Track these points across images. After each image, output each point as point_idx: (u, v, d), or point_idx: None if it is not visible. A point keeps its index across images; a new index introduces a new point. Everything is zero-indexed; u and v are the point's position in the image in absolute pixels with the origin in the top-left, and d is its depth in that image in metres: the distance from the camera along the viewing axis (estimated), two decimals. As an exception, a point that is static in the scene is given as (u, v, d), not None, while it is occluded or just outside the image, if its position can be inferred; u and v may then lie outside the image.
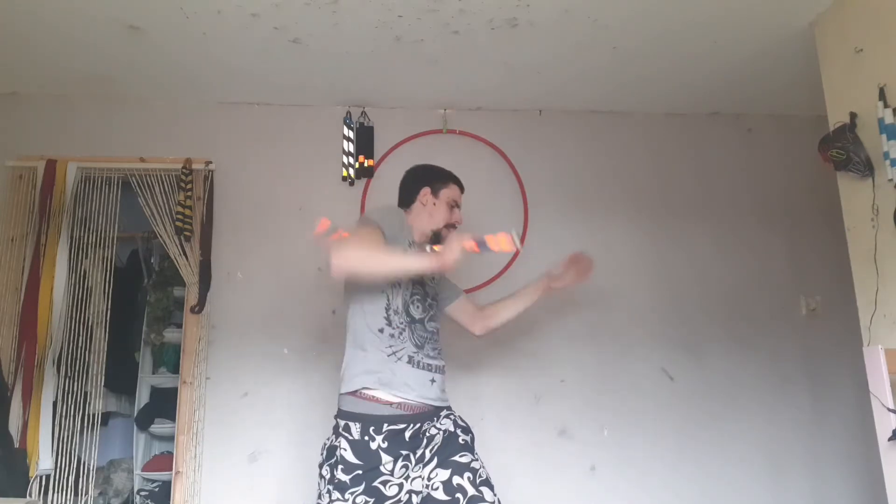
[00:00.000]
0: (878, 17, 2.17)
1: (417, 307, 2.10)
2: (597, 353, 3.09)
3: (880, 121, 2.10)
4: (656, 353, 3.12)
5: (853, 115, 2.22)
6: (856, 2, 2.30)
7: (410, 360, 2.02)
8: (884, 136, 2.08)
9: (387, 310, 2.04)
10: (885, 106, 2.09)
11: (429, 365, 2.06)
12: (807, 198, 3.29)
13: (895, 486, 2.04)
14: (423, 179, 2.28)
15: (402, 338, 2.03)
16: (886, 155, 2.07)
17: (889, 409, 1.99)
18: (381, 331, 2.02)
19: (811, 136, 2.49)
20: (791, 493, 3.03)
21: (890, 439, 1.99)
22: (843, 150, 2.19)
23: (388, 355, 2.00)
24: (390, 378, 1.97)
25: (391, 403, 1.96)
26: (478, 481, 1.96)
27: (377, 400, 1.96)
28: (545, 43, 2.66)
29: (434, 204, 2.23)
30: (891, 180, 2.07)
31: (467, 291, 2.54)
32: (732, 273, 3.23)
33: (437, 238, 2.21)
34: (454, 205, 2.26)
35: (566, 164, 3.27)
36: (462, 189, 2.32)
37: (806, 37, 2.55)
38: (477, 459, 2.02)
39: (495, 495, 1.97)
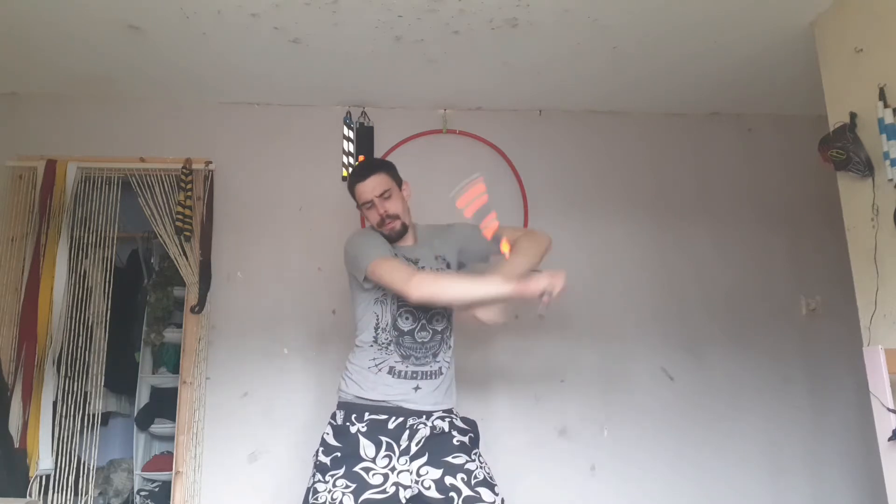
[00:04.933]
0: (878, 17, 2.17)
1: (406, 319, 2.08)
2: (597, 353, 3.09)
3: (880, 121, 2.10)
4: (656, 353, 3.11)
5: (853, 115, 2.22)
6: (856, 2, 2.30)
7: (391, 371, 2.03)
8: (884, 136, 2.08)
9: (376, 329, 2.07)
10: (885, 106, 2.09)
11: (414, 373, 2.04)
12: (807, 198, 3.29)
13: (895, 486, 2.03)
14: None
15: (388, 350, 2.05)
16: (886, 155, 2.07)
17: (889, 409, 1.99)
18: (370, 345, 2.07)
19: (811, 136, 2.49)
20: (791, 493, 3.03)
21: (890, 439, 1.99)
22: (843, 150, 2.19)
23: (369, 367, 2.04)
24: (371, 388, 2.02)
25: (374, 399, 2.01)
26: (473, 482, 1.89)
27: (361, 397, 2.02)
28: (545, 43, 2.66)
29: (364, 220, 2.20)
30: (891, 180, 2.07)
31: None
32: (732, 273, 3.22)
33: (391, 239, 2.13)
34: (369, 205, 2.10)
35: (566, 164, 3.27)
36: (363, 176, 2.09)
37: (806, 37, 2.55)
38: (474, 461, 1.95)
39: (496, 495, 1.90)
